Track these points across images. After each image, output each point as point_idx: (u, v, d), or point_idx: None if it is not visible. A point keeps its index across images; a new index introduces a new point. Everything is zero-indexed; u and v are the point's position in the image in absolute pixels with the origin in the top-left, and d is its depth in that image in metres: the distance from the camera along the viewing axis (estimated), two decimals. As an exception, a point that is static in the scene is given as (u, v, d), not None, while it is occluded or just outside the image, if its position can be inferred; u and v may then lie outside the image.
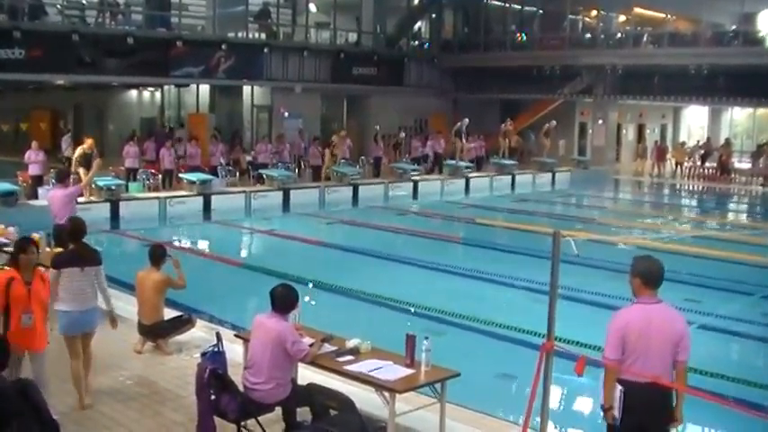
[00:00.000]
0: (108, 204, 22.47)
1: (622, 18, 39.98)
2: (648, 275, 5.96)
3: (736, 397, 9.53)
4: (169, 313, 10.45)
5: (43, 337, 7.74)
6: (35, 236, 12.56)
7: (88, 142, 22.08)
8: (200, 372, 7.02)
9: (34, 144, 23.56)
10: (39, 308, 7.57)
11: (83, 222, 9.02)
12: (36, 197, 22.21)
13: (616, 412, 5.92)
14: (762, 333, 12.97)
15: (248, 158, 29.30)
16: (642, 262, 6.05)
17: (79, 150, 22.03)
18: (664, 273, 5.98)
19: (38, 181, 23.03)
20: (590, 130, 40.67)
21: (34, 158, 23.06)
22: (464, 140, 33.78)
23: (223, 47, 30.09)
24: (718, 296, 15.14)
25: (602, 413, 6.08)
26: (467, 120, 33.89)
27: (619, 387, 5.90)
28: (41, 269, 7.85)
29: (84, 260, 8.49)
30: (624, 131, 43.21)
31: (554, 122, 35.90)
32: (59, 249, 12.06)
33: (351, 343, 7.55)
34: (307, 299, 14.06)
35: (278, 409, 7.38)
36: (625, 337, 5.86)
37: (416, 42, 41.18)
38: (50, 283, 8.10)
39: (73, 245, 8.76)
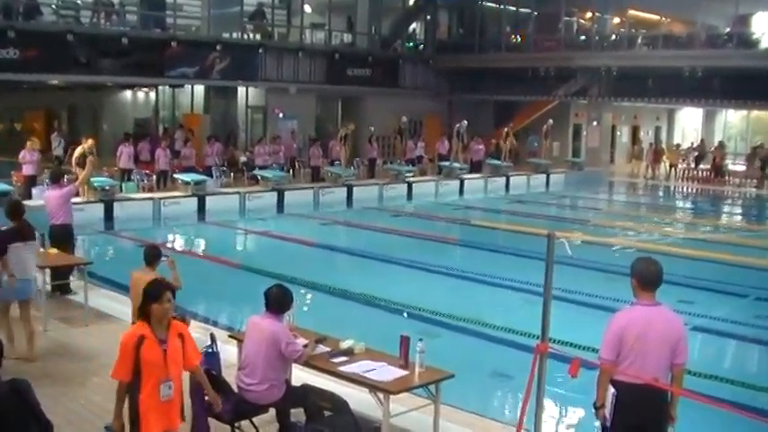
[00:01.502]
0: (102, 205, 22.44)
1: (617, 20, 40.03)
2: (645, 277, 5.97)
3: (729, 399, 9.55)
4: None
5: (180, 410, 6.13)
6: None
7: (89, 142, 22.01)
8: (194, 372, 7.01)
9: (28, 144, 23.52)
10: (178, 373, 5.92)
11: (20, 201, 10.12)
12: (30, 197, 22.11)
13: (607, 413, 5.95)
14: (755, 334, 13.00)
15: (243, 159, 29.29)
16: (640, 263, 6.06)
17: (79, 150, 21.98)
18: (662, 274, 5.99)
19: (32, 181, 22.98)
20: (584, 132, 40.76)
21: (29, 158, 23.01)
22: (462, 142, 33.86)
23: (218, 47, 30.06)
24: (711, 298, 15.19)
25: (594, 411, 6.12)
26: (465, 122, 33.94)
27: (612, 390, 5.93)
28: (177, 321, 6.14)
29: (25, 235, 9.72)
30: (618, 133, 43.31)
31: (551, 121, 36.03)
32: (54, 250, 12.15)
33: (345, 344, 7.56)
34: (301, 300, 14.07)
35: (272, 410, 7.38)
36: (623, 339, 5.87)
37: (411, 44, 41.19)
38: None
39: (15, 223, 9.82)
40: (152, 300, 5.79)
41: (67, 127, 38.19)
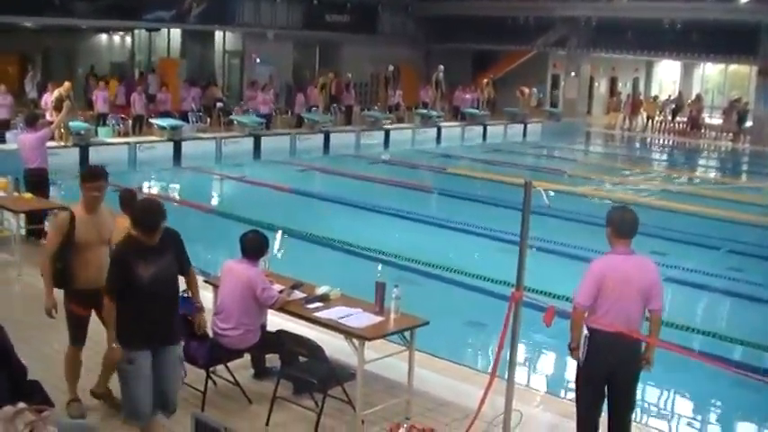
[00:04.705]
0: (77, 149, 22.22)
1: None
2: (619, 225, 5.99)
3: (700, 349, 9.68)
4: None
5: None
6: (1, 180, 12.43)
7: (66, 85, 21.71)
8: (169, 317, 6.99)
9: (2, 88, 23.24)
10: None
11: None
12: (3, 141, 21.94)
13: (581, 354, 6.00)
14: (727, 286, 13.14)
15: (219, 105, 29.03)
16: (615, 212, 6.09)
17: (56, 93, 21.70)
18: (637, 224, 6.01)
19: (5, 125, 22.76)
20: (562, 83, 40.72)
21: (1, 102, 22.77)
22: (441, 90, 33.86)
23: (195, -10, 29.71)
24: (685, 249, 15.30)
25: (569, 353, 6.21)
26: (441, 66, 33.87)
27: (585, 332, 5.98)
28: None
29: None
30: (596, 84, 43.27)
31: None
32: (29, 195, 12.02)
33: (320, 290, 7.54)
34: (277, 246, 14.07)
35: (247, 356, 7.40)
36: (600, 286, 5.89)
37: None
38: None
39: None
40: None
41: (42, 71, 37.66)
